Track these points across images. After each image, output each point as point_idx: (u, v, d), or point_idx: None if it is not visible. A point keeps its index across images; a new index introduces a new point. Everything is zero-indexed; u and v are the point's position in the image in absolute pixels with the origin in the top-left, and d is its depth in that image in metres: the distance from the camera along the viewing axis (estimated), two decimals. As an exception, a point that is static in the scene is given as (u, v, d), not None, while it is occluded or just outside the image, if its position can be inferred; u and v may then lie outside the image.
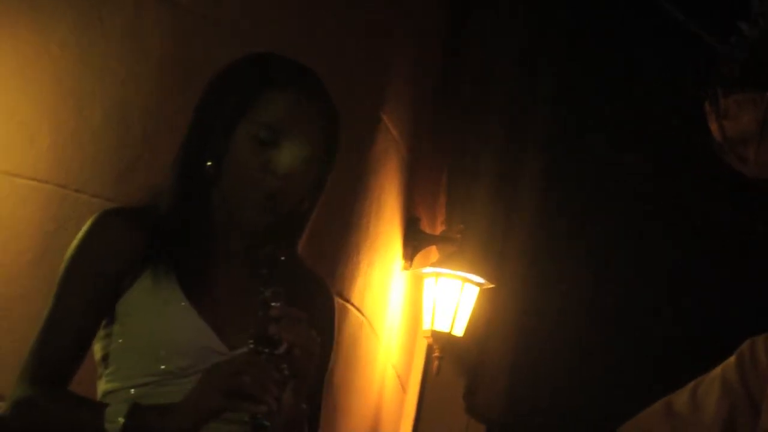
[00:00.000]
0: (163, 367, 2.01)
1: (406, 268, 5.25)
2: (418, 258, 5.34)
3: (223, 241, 2.12)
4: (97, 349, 2.10)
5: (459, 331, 5.38)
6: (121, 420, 1.93)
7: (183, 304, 2.04)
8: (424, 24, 5.23)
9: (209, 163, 2.09)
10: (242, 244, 2.12)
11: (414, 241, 5.29)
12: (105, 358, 2.09)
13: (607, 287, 6.01)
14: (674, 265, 6.01)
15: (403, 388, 5.56)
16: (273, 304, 1.96)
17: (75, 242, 2.09)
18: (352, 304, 4.42)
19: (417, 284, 5.43)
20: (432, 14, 5.38)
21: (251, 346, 1.95)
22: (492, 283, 5.43)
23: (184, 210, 2.09)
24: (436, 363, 5.48)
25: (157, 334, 2.04)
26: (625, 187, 6.04)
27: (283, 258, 2.02)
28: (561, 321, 5.91)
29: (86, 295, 2.06)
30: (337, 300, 4.34)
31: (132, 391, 2.04)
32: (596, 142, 5.99)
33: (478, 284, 5.39)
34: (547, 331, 5.90)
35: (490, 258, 5.61)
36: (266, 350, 1.93)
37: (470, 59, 5.83)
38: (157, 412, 1.95)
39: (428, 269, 5.37)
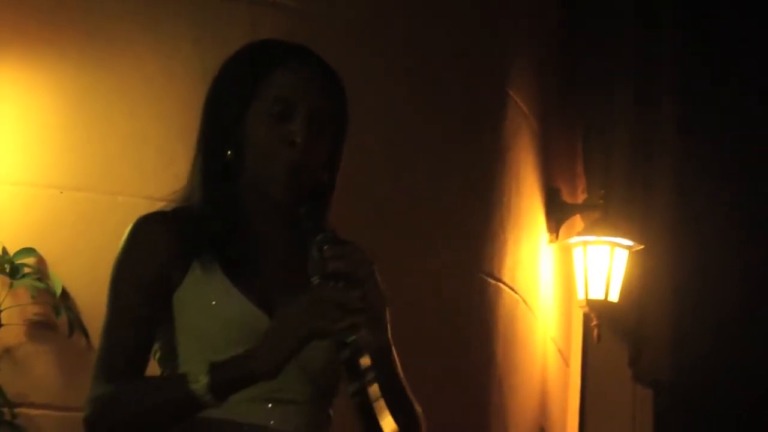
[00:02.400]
0: (221, 355, 2.00)
1: (552, 241, 5.21)
2: (563, 229, 5.30)
3: (258, 224, 2.14)
4: (155, 349, 2.13)
5: (614, 296, 5.33)
6: (203, 378, 1.94)
7: (232, 292, 2.06)
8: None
9: (229, 152, 2.11)
10: (277, 222, 2.13)
11: (557, 213, 5.25)
12: (164, 357, 2.12)
13: (760, 237, 5.89)
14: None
15: (565, 361, 5.52)
16: (325, 247, 1.98)
17: (119, 251, 2.12)
18: (505, 284, 4.40)
19: (565, 255, 5.39)
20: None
21: (315, 280, 1.97)
22: (641, 245, 5.36)
23: (214, 202, 2.12)
24: (595, 331, 5.43)
25: (211, 325, 2.05)
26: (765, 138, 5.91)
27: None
28: (717, 275, 5.80)
29: (139, 294, 2.08)
30: (489, 281, 4.35)
31: None
32: (730, 92, 5.86)
33: (628, 247, 5.33)
34: (705, 287, 5.80)
35: (636, 219, 5.54)
36: (332, 282, 1.96)
37: (593, 20, 5.76)
38: (238, 361, 1.96)
39: (575, 239, 5.33)
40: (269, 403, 2.04)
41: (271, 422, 2.04)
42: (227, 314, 2.05)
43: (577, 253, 5.34)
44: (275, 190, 2.08)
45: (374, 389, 1.93)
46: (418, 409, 2.14)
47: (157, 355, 2.13)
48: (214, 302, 2.06)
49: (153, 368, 2.14)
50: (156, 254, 2.08)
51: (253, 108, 2.10)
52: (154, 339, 2.11)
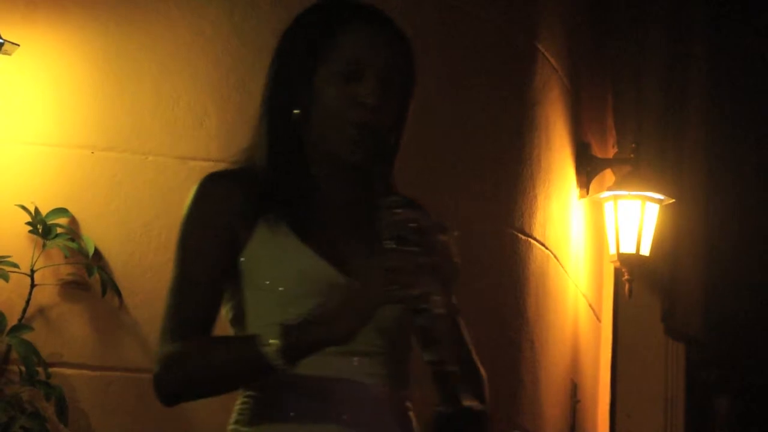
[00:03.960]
0: (293, 310, 1.99)
1: (582, 196, 5.19)
2: (593, 184, 5.28)
3: (323, 184, 2.13)
4: (226, 310, 2.12)
5: (645, 250, 5.31)
6: (275, 341, 1.93)
7: (301, 248, 2.05)
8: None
9: (296, 111, 2.09)
10: (342, 183, 2.13)
11: (587, 167, 5.23)
12: (236, 317, 2.11)
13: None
14: None
15: (597, 316, 5.51)
16: (398, 210, 1.96)
17: (185, 209, 2.12)
18: (536, 239, 4.39)
19: (596, 210, 5.37)
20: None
21: (389, 245, 1.94)
22: (672, 198, 5.34)
23: (279, 161, 2.11)
24: (627, 286, 5.41)
25: (283, 280, 2.04)
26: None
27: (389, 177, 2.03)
28: (749, 229, 5.77)
29: (207, 252, 2.08)
30: (520, 237, 4.34)
31: None
32: (765, 46, 5.81)
33: (659, 201, 5.31)
34: (737, 240, 5.77)
35: (667, 173, 5.52)
36: (404, 247, 1.94)
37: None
38: (311, 325, 1.94)
39: (606, 193, 5.31)
40: (353, 356, 2.03)
41: (359, 375, 2.04)
42: (298, 269, 2.05)
43: (608, 208, 5.33)
44: (343, 150, 2.07)
45: (450, 358, 1.92)
46: (483, 372, 2.15)
47: (230, 316, 2.12)
48: (283, 258, 2.05)
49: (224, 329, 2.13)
50: (223, 211, 2.08)
51: (322, 67, 2.08)
52: (221, 296, 2.10)
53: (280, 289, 2.05)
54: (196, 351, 2.03)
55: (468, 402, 1.98)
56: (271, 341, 1.93)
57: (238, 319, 2.11)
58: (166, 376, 2.03)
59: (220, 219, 2.08)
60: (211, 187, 2.11)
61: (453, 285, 2.02)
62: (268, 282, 2.06)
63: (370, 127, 2.06)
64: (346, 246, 2.09)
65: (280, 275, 2.05)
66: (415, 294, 1.91)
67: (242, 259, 2.08)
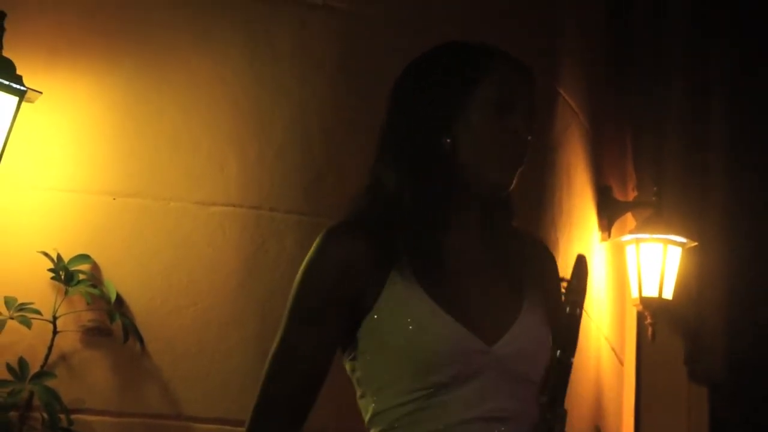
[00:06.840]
0: (431, 378, 1.91)
1: (604, 240, 5.18)
2: (615, 227, 5.27)
3: (454, 223, 2.04)
4: (351, 367, 2.01)
5: (668, 294, 5.29)
6: None
7: (435, 310, 1.94)
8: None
9: (448, 140, 2.01)
10: (473, 221, 2.06)
11: (608, 211, 5.23)
12: (366, 378, 2.00)
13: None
14: None
15: (620, 360, 5.48)
16: (582, 277, 2.02)
17: (304, 265, 1.98)
18: (557, 283, 4.38)
19: (618, 254, 5.36)
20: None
21: (576, 312, 2.01)
22: (695, 241, 5.33)
23: (428, 198, 2.01)
24: (650, 330, 5.39)
25: (419, 347, 1.93)
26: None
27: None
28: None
29: (319, 320, 1.95)
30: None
31: (402, 408, 1.94)
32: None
33: (681, 244, 5.30)
34: (761, 283, 5.75)
35: (689, 216, 5.51)
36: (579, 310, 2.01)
37: (641, 18, 5.73)
38: None
39: (627, 237, 5.30)
40: (501, 424, 1.96)
41: None
42: (435, 336, 1.93)
43: (630, 251, 5.32)
44: (495, 179, 2.02)
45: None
46: None
47: (356, 375, 2.00)
48: (419, 323, 1.94)
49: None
50: (346, 271, 1.95)
51: (476, 96, 2.03)
52: (328, 370, 1.98)
53: (416, 356, 1.93)
54: None
55: None
56: None
57: (367, 381, 1.99)
58: None
59: (341, 281, 1.96)
60: (334, 244, 1.98)
61: None
62: (400, 347, 1.94)
63: (523, 159, 2.03)
64: (478, 301, 2.00)
65: (416, 342, 1.93)
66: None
67: (375, 316, 1.96)
